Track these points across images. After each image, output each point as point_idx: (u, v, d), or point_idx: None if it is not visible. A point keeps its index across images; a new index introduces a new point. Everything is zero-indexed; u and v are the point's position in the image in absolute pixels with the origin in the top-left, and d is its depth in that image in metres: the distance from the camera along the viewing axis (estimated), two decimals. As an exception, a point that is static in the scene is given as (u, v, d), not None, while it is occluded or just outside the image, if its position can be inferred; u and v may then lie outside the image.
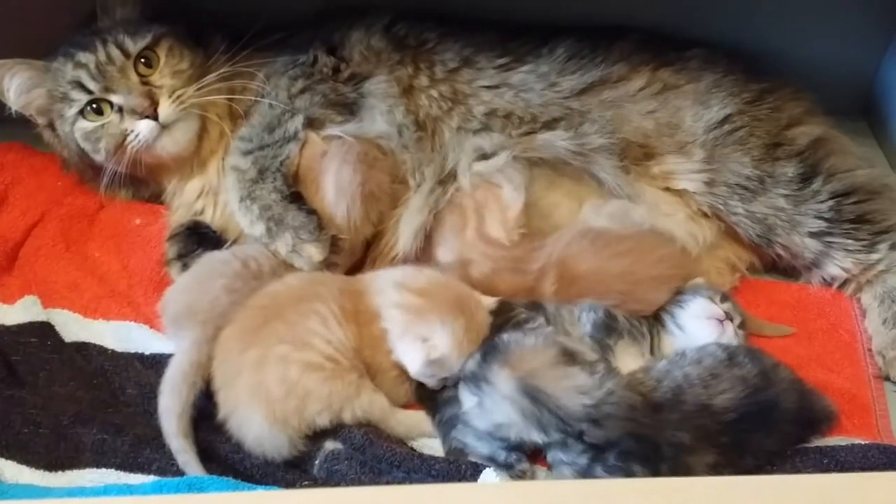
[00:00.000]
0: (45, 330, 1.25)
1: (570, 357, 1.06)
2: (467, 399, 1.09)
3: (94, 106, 1.30)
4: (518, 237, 1.27)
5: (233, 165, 1.31)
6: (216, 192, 1.37)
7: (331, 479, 1.06)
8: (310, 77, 1.35)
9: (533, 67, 1.38)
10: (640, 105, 1.36)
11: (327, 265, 1.24)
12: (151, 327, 1.26)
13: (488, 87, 1.36)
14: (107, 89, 1.30)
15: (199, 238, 1.34)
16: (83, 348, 1.24)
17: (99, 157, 1.33)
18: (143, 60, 1.31)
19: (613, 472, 1.01)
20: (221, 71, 1.33)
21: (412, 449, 1.12)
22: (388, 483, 1.04)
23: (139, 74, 1.31)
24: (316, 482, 1.06)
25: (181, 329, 1.17)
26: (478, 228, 1.28)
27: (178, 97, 1.30)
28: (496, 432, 1.06)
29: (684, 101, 1.36)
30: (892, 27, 1.56)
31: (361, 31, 1.39)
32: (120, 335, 1.26)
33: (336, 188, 1.27)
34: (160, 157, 1.33)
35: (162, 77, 1.31)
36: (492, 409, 1.06)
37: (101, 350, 1.24)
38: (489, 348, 1.10)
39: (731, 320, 1.18)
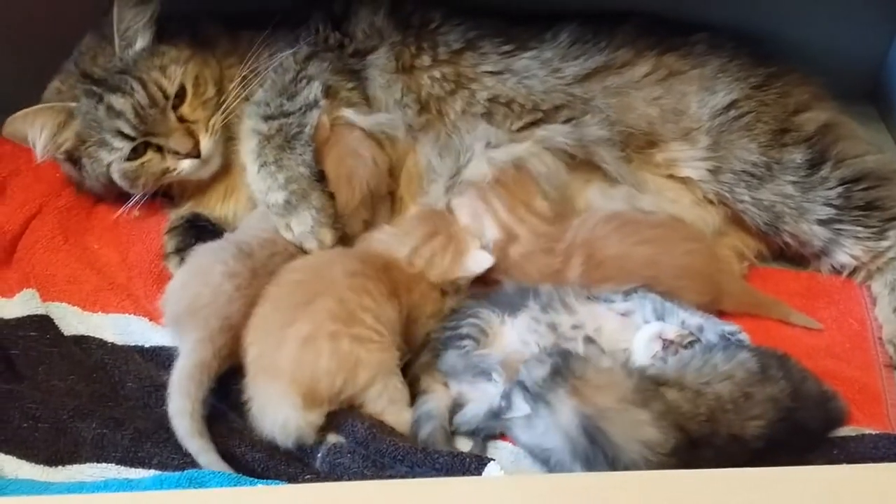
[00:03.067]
0: (43, 323, 1.24)
1: (646, 389, 0.99)
2: (518, 406, 1.04)
3: (135, 147, 1.30)
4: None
5: (253, 129, 1.29)
6: (234, 190, 1.37)
7: (333, 472, 1.05)
8: (314, 45, 1.34)
9: (536, 53, 1.37)
10: (644, 91, 1.35)
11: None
12: (151, 320, 1.25)
13: (492, 73, 1.35)
14: (148, 133, 1.29)
15: (198, 231, 1.33)
16: (82, 341, 1.23)
17: (134, 190, 1.32)
18: (177, 93, 1.30)
19: None
20: (239, 79, 1.32)
21: (415, 443, 1.10)
22: (391, 477, 1.03)
23: (173, 109, 1.30)
24: (318, 476, 1.05)
25: (184, 328, 1.15)
26: (526, 202, 1.28)
27: (213, 127, 1.30)
28: (536, 452, 1.04)
29: (689, 87, 1.35)
30: (901, 11, 1.54)
31: (366, 8, 1.37)
32: (119, 328, 1.25)
33: (336, 176, 1.26)
34: (194, 181, 1.34)
35: (194, 111, 1.30)
36: (542, 433, 1.01)
37: (101, 343, 1.23)
38: (562, 360, 1.01)
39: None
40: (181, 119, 1.30)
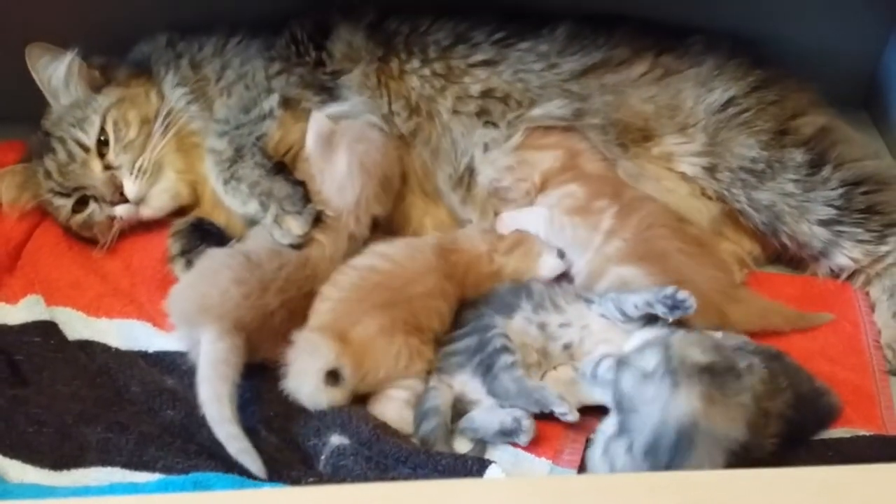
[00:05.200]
0: (48, 329, 1.25)
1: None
2: (648, 357, 0.99)
3: (78, 200, 1.32)
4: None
5: (210, 148, 1.31)
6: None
7: (336, 474, 1.06)
8: (287, 59, 1.35)
9: (532, 45, 1.36)
10: (641, 90, 1.35)
11: (308, 241, 1.24)
12: (154, 325, 1.26)
13: (484, 63, 1.34)
14: (77, 188, 1.32)
15: (203, 234, 1.34)
16: (87, 346, 1.24)
17: (99, 237, 1.34)
18: (101, 139, 1.32)
19: None
20: (165, 112, 1.33)
21: (416, 436, 1.12)
22: (393, 479, 1.04)
23: (101, 156, 1.31)
24: (321, 478, 1.06)
25: (195, 326, 1.15)
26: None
27: (139, 169, 1.31)
28: (625, 401, 1.00)
29: (685, 84, 1.35)
30: (894, 17, 1.55)
31: (346, 27, 1.37)
32: (123, 333, 1.25)
33: (349, 165, 1.26)
34: (157, 217, 1.35)
35: (117, 156, 1.32)
36: (648, 398, 0.97)
37: (105, 348, 1.24)
38: (722, 365, 0.97)
39: None
40: (108, 167, 1.31)
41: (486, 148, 1.33)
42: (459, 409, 1.15)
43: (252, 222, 1.29)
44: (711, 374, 0.96)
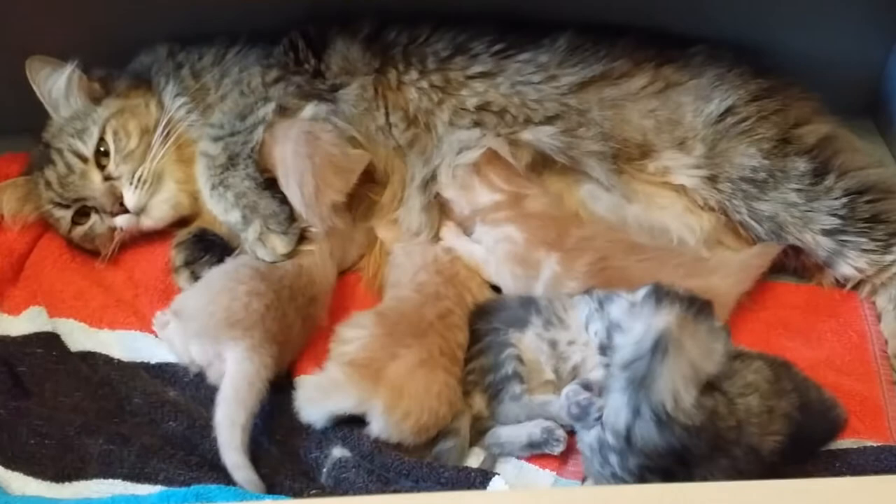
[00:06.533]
0: (50, 340, 1.25)
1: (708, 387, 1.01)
2: (640, 291, 1.06)
3: (79, 212, 1.33)
4: None
5: (202, 151, 1.31)
6: None
7: (338, 487, 1.06)
8: (285, 67, 1.35)
9: (531, 56, 1.35)
10: (641, 104, 1.34)
11: (292, 255, 1.24)
12: (157, 336, 1.25)
13: (483, 75, 1.34)
14: (77, 199, 1.32)
15: (206, 245, 1.34)
16: (89, 358, 1.24)
17: (101, 250, 1.34)
18: (101, 150, 1.32)
19: (630, 473, 0.99)
20: (165, 122, 1.32)
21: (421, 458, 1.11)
22: (395, 491, 1.03)
23: (100, 167, 1.31)
24: (324, 490, 1.06)
25: (223, 340, 1.13)
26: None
27: (139, 179, 1.31)
28: (613, 325, 1.06)
29: (686, 97, 1.35)
30: (898, 25, 1.55)
31: (342, 38, 1.37)
32: (125, 344, 1.25)
33: (283, 169, 1.26)
34: (158, 228, 1.35)
35: (117, 166, 1.31)
36: (633, 317, 1.03)
37: (107, 359, 1.24)
38: (703, 307, 1.04)
39: None
40: (108, 177, 1.31)
41: (460, 151, 1.31)
42: (478, 426, 1.15)
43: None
44: (690, 303, 1.03)
